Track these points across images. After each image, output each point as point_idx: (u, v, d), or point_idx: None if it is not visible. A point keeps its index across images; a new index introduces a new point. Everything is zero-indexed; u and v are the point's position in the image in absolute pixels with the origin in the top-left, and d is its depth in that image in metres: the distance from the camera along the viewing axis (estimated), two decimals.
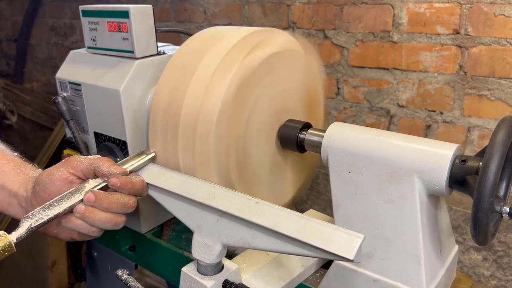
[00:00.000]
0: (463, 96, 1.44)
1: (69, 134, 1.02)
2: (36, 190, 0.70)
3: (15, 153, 0.80)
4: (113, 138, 0.92)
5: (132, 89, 0.87)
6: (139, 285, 0.70)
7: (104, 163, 0.70)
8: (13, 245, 0.62)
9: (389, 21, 1.52)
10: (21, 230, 0.63)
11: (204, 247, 0.69)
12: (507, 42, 1.33)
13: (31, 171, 0.76)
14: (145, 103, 0.90)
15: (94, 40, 0.95)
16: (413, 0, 1.46)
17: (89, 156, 0.72)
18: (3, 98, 2.64)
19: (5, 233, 0.62)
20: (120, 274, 0.72)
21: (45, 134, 2.36)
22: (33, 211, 0.65)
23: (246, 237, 0.65)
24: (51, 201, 0.67)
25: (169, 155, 0.80)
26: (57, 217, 0.66)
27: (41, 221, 0.65)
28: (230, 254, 0.87)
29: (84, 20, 0.95)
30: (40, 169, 0.77)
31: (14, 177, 0.74)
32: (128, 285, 0.71)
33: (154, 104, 0.81)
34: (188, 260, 0.88)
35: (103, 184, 0.71)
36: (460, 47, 1.41)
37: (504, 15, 1.31)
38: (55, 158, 0.90)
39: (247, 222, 0.64)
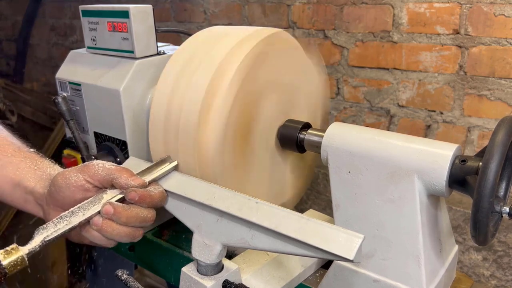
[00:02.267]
0: (463, 96, 1.44)
1: (69, 134, 1.02)
2: (51, 191, 0.69)
3: (31, 150, 0.78)
4: (113, 138, 0.92)
5: (132, 89, 0.87)
6: (139, 285, 0.70)
7: (122, 175, 0.67)
8: (26, 259, 0.59)
9: (389, 21, 1.52)
10: (35, 243, 0.61)
11: (204, 247, 0.69)
12: (507, 42, 1.33)
13: (48, 167, 0.74)
14: (145, 103, 0.90)
15: (94, 40, 0.95)
16: (413, 0, 1.45)
17: (108, 165, 0.69)
18: (3, 98, 2.64)
19: (18, 246, 0.59)
20: (120, 274, 0.72)
21: (45, 134, 2.36)
22: (47, 223, 0.63)
23: (246, 237, 0.65)
24: (67, 212, 0.65)
25: (170, 155, 0.80)
26: (71, 230, 0.64)
27: (55, 234, 0.62)
28: (230, 254, 0.87)
29: (84, 20, 0.95)
30: (57, 166, 0.76)
31: (31, 174, 0.73)
32: (128, 285, 0.71)
33: (154, 104, 0.81)
34: (188, 260, 0.88)
35: (121, 195, 0.68)
36: (460, 47, 1.41)
37: (504, 15, 1.31)
38: (55, 158, 0.90)
39: (247, 222, 0.64)
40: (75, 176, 0.68)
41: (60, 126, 2.26)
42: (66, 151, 1.03)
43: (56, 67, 1.01)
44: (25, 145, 0.79)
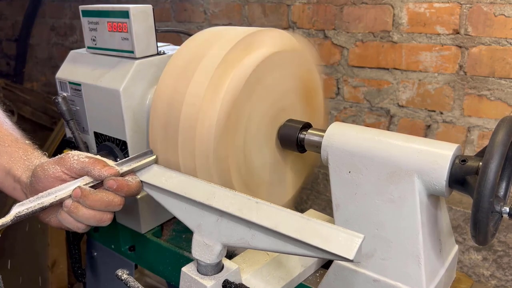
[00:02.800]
0: (463, 96, 1.44)
1: (69, 134, 1.02)
2: (32, 181, 0.73)
3: (27, 141, 0.83)
4: (113, 138, 0.92)
5: (132, 89, 0.87)
6: (139, 285, 0.70)
7: (96, 167, 0.71)
8: None
9: (389, 21, 1.52)
10: (8, 217, 0.65)
11: (204, 247, 0.69)
12: (507, 42, 1.33)
13: (36, 159, 0.78)
14: (145, 103, 0.90)
15: (94, 40, 0.95)
16: (413, 0, 1.46)
17: (82, 158, 0.73)
18: (3, 98, 2.64)
19: None
20: (120, 274, 0.72)
21: (45, 134, 2.36)
22: (23, 201, 0.67)
23: (246, 237, 0.65)
24: (43, 192, 0.69)
25: (170, 155, 0.80)
26: (43, 209, 0.68)
27: (28, 211, 0.66)
28: (230, 254, 0.87)
29: (84, 20, 0.95)
30: (45, 157, 0.79)
31: (21, 163, 0.77)
32: (128, 285, 0.71)
33: (154, 104, 0.81)
34: (188, 260, 0.88)
35: (93, 183, 0.72)
36: (460, 47, 1.41)
37: (504, 15, 1.31)
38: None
39: (247, 222, 0.64)
40: (53, 168, 0.72)
41: (60, 126, 2.26)
42: (66, 151, 1.03)
43: (56, 67, 1.01)
44: (23, 137, 0.83)
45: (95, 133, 0.96)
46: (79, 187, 0.70)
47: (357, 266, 0.77)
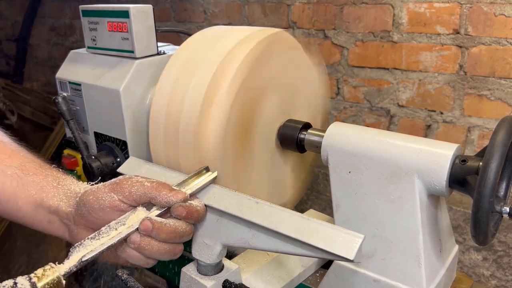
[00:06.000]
0: (463, 96, 1.44)
1: (69, 134, 1.02)
2: (82, 212, 0.64)
3: (53, 166, 0.73)
4: (113, 138, 0.92)
5: (132, 89, 0.87)
6: (139, 285, 0.70)
7: (161, 192, 0.62)
8: (62, 280, 0.54)
9: (389, 21, 1.52)
10: (71, 263, 0.56)
11: (204, 247, 0.69)
12: (507, 42, 1.33)
13: (72, 184, 0.69)
14: (145, 103, 0.90)
15: (94, 40, 0.95)
16: (413, 0, 1.46)
17: (143, 182, 0.63)
18: (3, 98, 2.64)
19: (53, 265, 0.55)
20: (120, 274, 0.72)
21: (45, 134, 2.36)
22: (82, 241, 0.59)
23: (246, 237, 0.65)
24: (103, 228, 0.60)
25: (170, 155, 0.80)
26: (109, 249, 0.59)
27: (94, 253, 0.58)
28: (230, 254, 0.87)
29: (84, 20, 0.95)
30: (81, 182, 0.71)
31: (53, 192, 0.68)
32: (128, 285, 0.71)
33: (154, 104, 0.81)
34: (188, 260, 0.88)
35: (159, 211, 0.63)
36: (460, 47, 1.41)
37: (504, 15, 1.31)
38: (55, 158, 0.91)
39: (247, 222, 0.63)
40: (109, 197, 0.63)
41: (60, 126, 2.26)
42: (66, 151, 1.03)
43: (56, 67, 1.01)
44: (46, 162, 0.74)
45: (95, 133, 0.96)
46: (148, 218, 0.60)
47: (357, 266, 0.77)
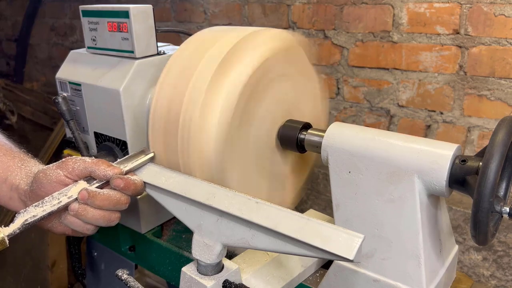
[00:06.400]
0: (463, 96, 1.44)
1: (69, 134, 1.02)
2: (34, 188, 0.72)
3: (22, 150, 0.82)
4: (113, 138, 0.92)
5: (132, 89, 0.87)
6: (139, 285, 0.70)
7: (99, 167, 0.71)
8: (6, 240, 0.62)
9: (389, 21, 1.52)
10: (15, 226, 0.64)
11: (204, 247, 0.69)
12: (507, 42, 1.33)
13: (34, 166, 0.78)
14: (145, 103, 0.90)
15: (94, 40, 0.95)
16: (413, 0, 1.46)
17: (85, 159, 0.73)
18: (3, 98, 2.64)
19: None
20: (120, 274, 0.72)
21: (45, 134, 2.36)
22: (27, 208, 0.67)
23: (246, 237, 0.65)
24: (46, 197, 0.68)
25: (170, 155, 0.80)
26: (50, 214, 0.67)
27: (35, 218, 0.66)
28: (230, 254, 0.87)
29: (84, 20, 0.95)
30: (42, 165, 0.79)
31: (17, 171, 0.76)
32: (128, 285, 0.71)
33: (154, 104, 0.81)
34: (188, 260, 0.88)
35: (98, 184, 0.72)
36: (460, 47, 1.41)
37: (504, 15, 1.31)
38: (55, 158, 0.91)
39: (247, 222, 0.64)
40: (55, 172, 0.71)
41: (60, 126, 2.25)
42: (66, 151, 1.03)
43: (56, 67, 1.01)
44: (17, 147, 0.83)
45: (95, 133, 0.96)
46: (84, 189, 0.69)
47: (357, 266, 0.77)
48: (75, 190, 0.70)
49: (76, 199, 0.69)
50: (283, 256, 0.85)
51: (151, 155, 0.80)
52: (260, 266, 0.82)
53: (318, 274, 0.87)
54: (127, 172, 0.75)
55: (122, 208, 0.72)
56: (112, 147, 0.92)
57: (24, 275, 2.06)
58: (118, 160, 0.77)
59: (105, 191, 0.71)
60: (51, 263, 2.00)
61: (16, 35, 3.20)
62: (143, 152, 0.80)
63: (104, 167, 0.71)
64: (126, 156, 0.78)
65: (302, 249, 0.59)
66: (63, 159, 0.74)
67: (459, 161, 0.67)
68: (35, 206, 0.67)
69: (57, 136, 2.24)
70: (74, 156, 0.74)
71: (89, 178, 0.73)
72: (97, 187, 0.71)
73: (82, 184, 0.71)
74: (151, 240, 0.96)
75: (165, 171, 0.77)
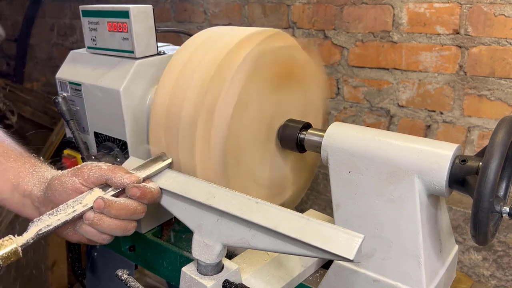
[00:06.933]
0: (463, 96, 1.44)
1: (69, 134, 1.02)
2: (48, 194, 0.70)
3: (32, 155, 0.80)
4: (113, 138, 0.92)
5: (132, 89, 0.87)
6: (139, 285, 0.70)
7: (116, 174, 0.69)
8: (19, 250, 0.59)
9: (389, 21, 1.52)
10: (28, 235, 0.61)
11: (204, 247, 0.69)
12: (507, 42, 1.33)
13: (46, 171, 0.76)
14: (145, 103, 0.90)
15: (94, 40, 0.95)
16: (413, 0, 1.45)
17: (101, 165, 0.71)
18: (3, 98, 2.64)
19: (12, 237, 0.60)
20: (120, 274, 0.72)
21: (45, 134, 2.36)
22: (41, 216, 0.64)
23: (246, 237, 0.65)
24: (60, 206, 0.66)
25: (170, 154, 0.80)
26: (65, 224, 0.65)
27: (49, 228, 0.63)
28: (230, 254, 0.87)
29: (84, 20, 0.95)
30: (54, 170, 0.77)
31: (29, 177, 0.74)
32: (128, 285, 0.71)
33: (154, 104, 0.81)
34: (188, 260, 0.88)
35: (114, 192, 0.69)
36: (460, 47, 1.41)
37: (504, 15, 1.31)
38: (55, 158, 0.91)
39: (247, 222, 0.64)
40: (71, 180, 0.69)
41: (60, 126, 2.25)
42: (66, 151, 1.03)
43: (56, 67, 1.01)
44: (27, 151, 0.81)
45: (95, 133, 0.96)
46: (100, 197, 0.67)
47: (357, 266, 0.77)
48: (90, 198, 0.68)
49: (91, 207, 0.67)
50: (283, 256, 0.85)
51: (169, 161, 0.77)
52: (260, 266, 0.82)
53: (318, 274, 0.87)
54: (144, 179, 0.72)
55: (138, 217, 0.70)
56: (112, 147, 0.92)
57: (24, 275, 2.05)
58: (135, 166, 0.74)
59: (121, 199, 0.68)
60: (51, 263, 2.00)
61: (16, 35, 3.20)
62: (160, 157, 0.78)
63: (120, 175, 0.69)
64: (145, 162, 0.75)
65: (302, 249, 0.59)
66: (78, 166, 0.72)
67: (459, 161, 0.67)
68: (49, 214, 0.64)
69: (57, 136, 2.24)
70: (89, 163, 0.72)
71: (105, 185, 0.70)
72: (112, 195, 0.69)
73: (97, 191, 0.69)
74: (151, 240, 0.96)
75: (165, 171, 0.77)
